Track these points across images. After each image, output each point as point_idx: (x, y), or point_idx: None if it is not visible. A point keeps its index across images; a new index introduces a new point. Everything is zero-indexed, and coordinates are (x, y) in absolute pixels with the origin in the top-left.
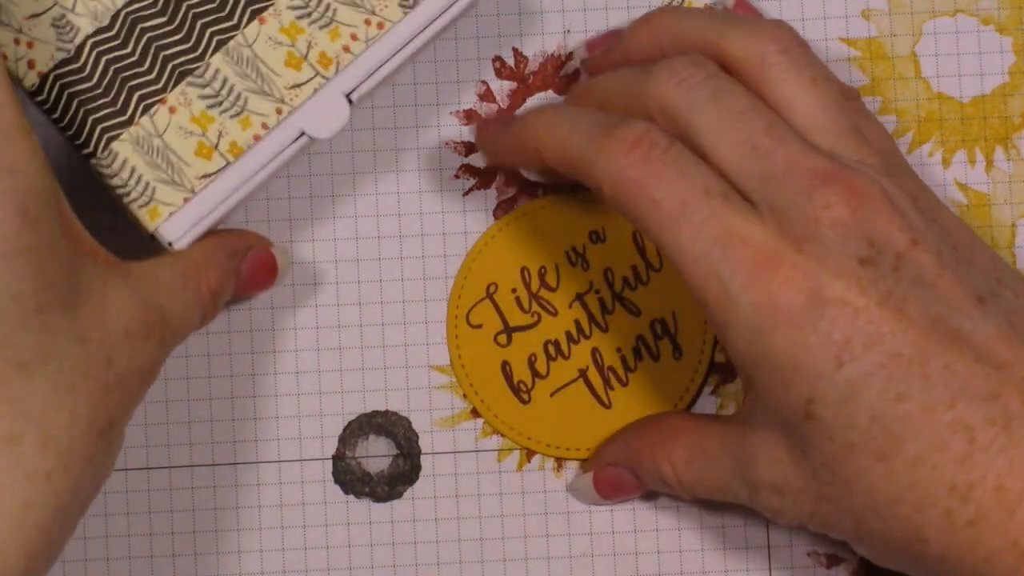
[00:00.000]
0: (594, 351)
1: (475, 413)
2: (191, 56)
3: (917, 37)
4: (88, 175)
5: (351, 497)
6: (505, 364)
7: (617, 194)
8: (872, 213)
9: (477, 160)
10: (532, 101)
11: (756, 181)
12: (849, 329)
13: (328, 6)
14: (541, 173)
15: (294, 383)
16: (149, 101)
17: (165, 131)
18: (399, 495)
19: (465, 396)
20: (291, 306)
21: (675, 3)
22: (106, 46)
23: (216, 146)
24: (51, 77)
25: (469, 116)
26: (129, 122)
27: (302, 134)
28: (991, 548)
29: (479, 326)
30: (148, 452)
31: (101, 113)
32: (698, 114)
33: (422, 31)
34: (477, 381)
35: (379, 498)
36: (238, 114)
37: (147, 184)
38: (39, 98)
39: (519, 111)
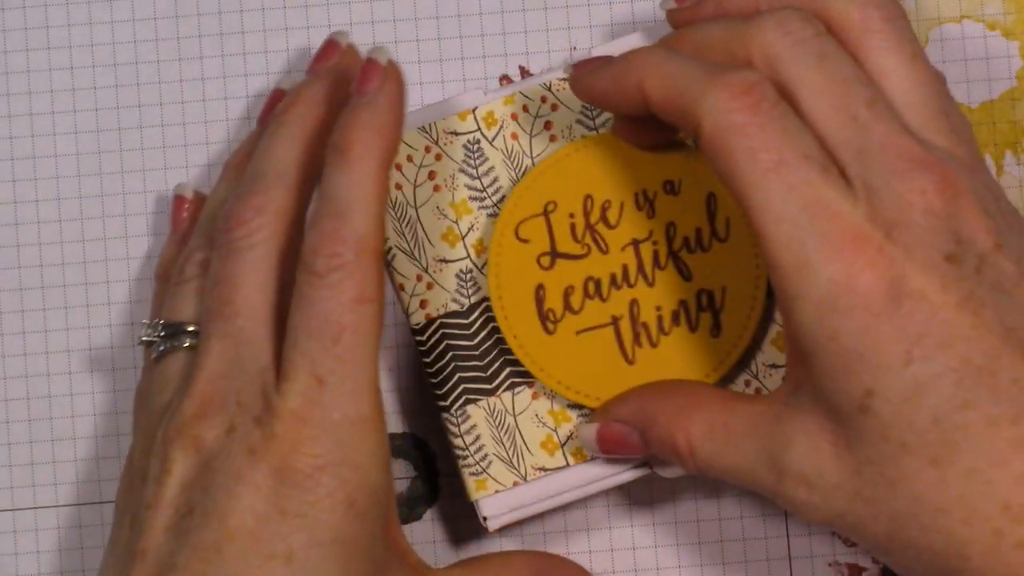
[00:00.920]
0: (633, 302)
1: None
2: None
3: (923, 44)
4: None
5: None
6: (540, 287)
7: (715, 136)
8: (962, 208)
9: None
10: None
11: (851, 152)
12: (924, 325)
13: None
14: (630, 122)
15: None
16: (518, 380)
17: (521, 413)
18: (419, 516)
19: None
20: None
21: None
22: None
23: (563, 445)
24: (437, 323)
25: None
26: (492, 392)
27: (647, 464)
28: None
29: (526, 241)
30: None
31: (470, 374)
32: (803, 70)
33: None
34: (507, 296)
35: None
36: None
37: (486, 455)
38: (419, 337)
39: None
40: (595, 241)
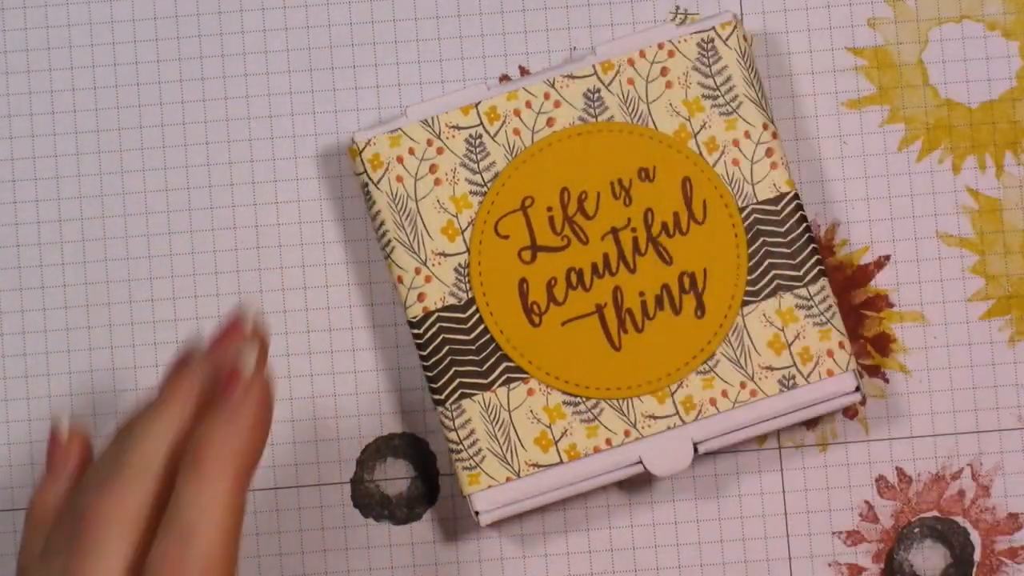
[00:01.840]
0: (616, 290)
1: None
2: None
3: (923, 44)
4: None
5: (370, 520)
6: (523, 281)
7: None
8: None
9: None
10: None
11: None
12: None
13: (717, 362)
14: None
15: (310, 408)
16: (513, 375)
17: (516, 408)
18: (418, 517)
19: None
20: (304, 331)
21: (678, 18)
22: None
23: (556, 442)
24: (434, 316)
25: None
26: (487, 387)
27: (639, 462)
28: None
29: (506, 237)
30: None
31: (465, 368)
32: None
33: (789, 413)
34: (491, 292)
35: (398, 520)
36: (589, 421)
37: (479, 450)
38: (415, 331)
39: None
40: (574, 232)
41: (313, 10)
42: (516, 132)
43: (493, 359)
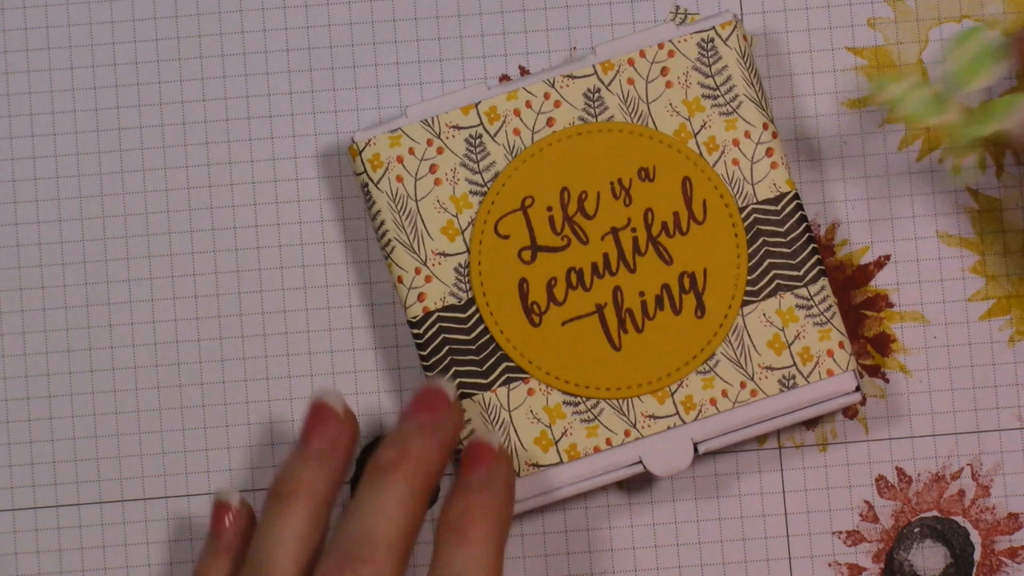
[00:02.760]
0: (616, 289)
1: None
2: None
3: (923, 44)
4: None
5: None
6: (523, 282)
7: None
8: None
9: None
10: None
11: None
12: None
13: (717, 362)
14: None
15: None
16: (513, 376)
17: (516, 409)
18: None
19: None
20: (304, 331)
21: (678, 17)
22: None
23: (556, 442)
24: (434, 316)
25: None
26: (487, 387)
27: (639, 462)
28: None
29: (506, 237)
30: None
31: (466, 368)
32: None
33: (789, 413)
34: (491, 292)
35: None
36: (589, 421)
37: None
38: (415, 331)
39: None
40: (574, 232)
41: (313, 10)
42: (516, 132)
43: (493, 359)
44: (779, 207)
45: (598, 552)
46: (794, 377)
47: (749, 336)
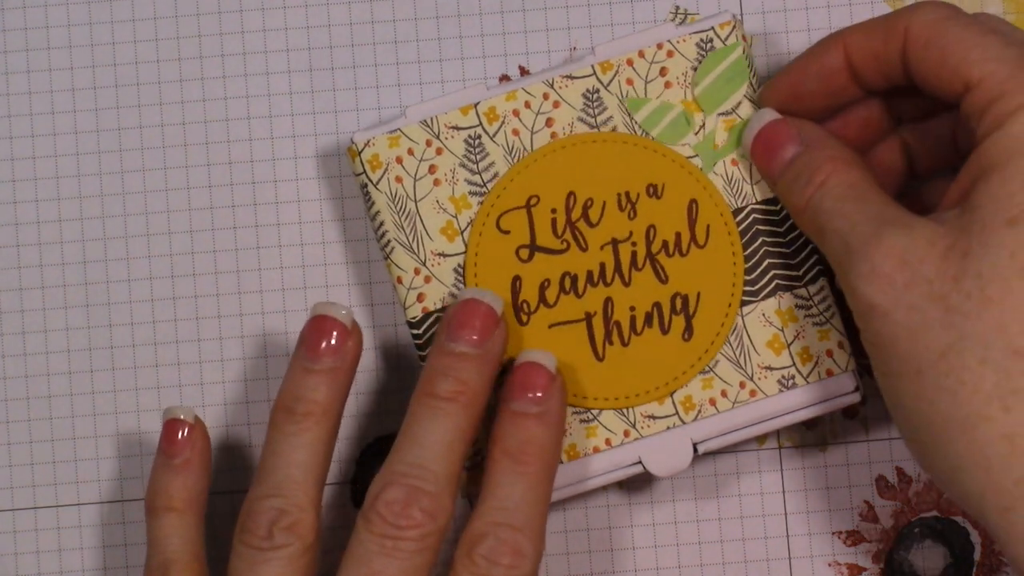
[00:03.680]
0: (608, 300)
1: None
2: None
3: None
4: None
5: None
6: (517, 279)
7: None
8: None
9: None
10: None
11: None
12: None
13: (717, 362)
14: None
15: None
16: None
17: None
18: None
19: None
20: None
21: (678, 18)
22: None
23: None
24: (434, 317)
25: None
26: None
27: (639, 462)
28: None
29: (507, 232)
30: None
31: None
32: None
33: (788, 413)
34: (484, 285)
35: None
36: (588, 421)
37: (479, 450)
38: (415, 331)
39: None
40: (575, 238)
41: (313, 10)
42: (515, 132)
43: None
44: (778, 207)
45: (598, 552)
46: (793, 377)
47: (748, 336)
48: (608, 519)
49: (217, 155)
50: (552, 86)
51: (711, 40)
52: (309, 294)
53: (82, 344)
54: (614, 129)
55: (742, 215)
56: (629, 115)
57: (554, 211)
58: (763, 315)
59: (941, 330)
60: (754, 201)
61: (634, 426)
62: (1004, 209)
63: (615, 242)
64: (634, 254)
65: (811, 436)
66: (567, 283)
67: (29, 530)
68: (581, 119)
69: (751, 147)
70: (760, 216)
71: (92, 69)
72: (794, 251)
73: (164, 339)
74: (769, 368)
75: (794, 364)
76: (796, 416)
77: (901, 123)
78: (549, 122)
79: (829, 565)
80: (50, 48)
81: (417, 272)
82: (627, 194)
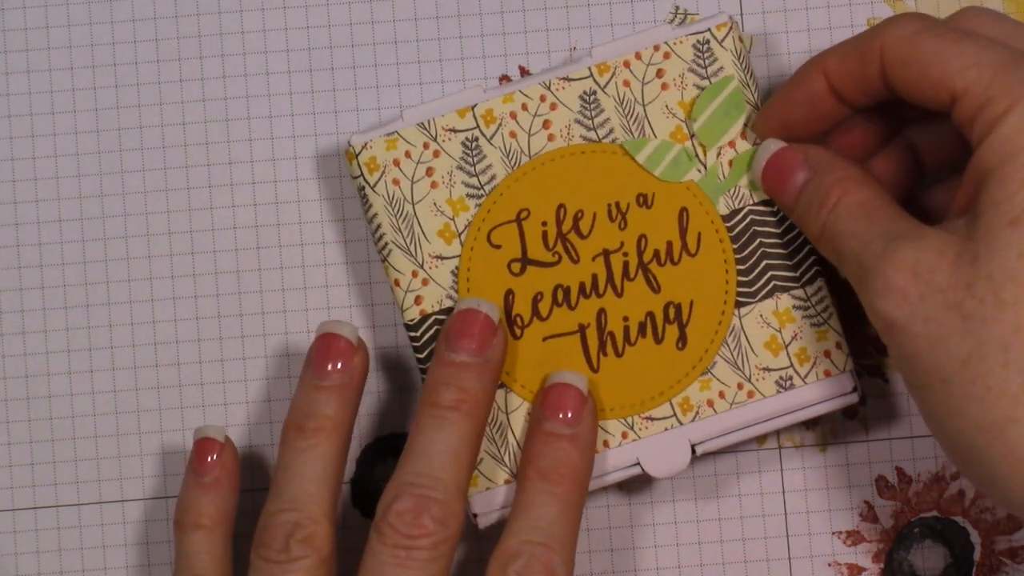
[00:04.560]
0: (601, 311)
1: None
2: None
3: None
4: None
5: (371, 521)
6: (509, 292)
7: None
8: None
9: None
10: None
11: None
12: None
13: (715, 363)
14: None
15: None
16: (502, 381)
17: (514, 411)
18: None
19: None
20: (305, 332)
21: (678, 18)
22: None
23: None
24: (431, 319)
25: None
26: None
27: (637, 463)
28: None
29: (498, 246)
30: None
31: None
32: None
33: (786, 414)
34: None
35: None
36: None
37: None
38: (412, 333)
39: None
40: (566, 250)
41: (313, 10)
42: (512, 135)
43: None
44: (775, 208)
45: (598, 552)
46: (791, 378)
47: (746, 337)
48: (608, 519)
49: (217, 155)
50: (549, 88)
51: (708, 42)
52: (309, 294)
53: (82, 344)
54: (611, 131)
55: (739, 216)
56: (626, 117)
57: (545, 224)
58: (761, 316)
59: (960, 338)
60: (751, 202)
61: (632, 428)
62: (1006, 211)
63: (606, 253)
64: (626, 264)
65: (811, 436)
66: (560, 295)
67: (29, 530)
68: (578, 121)
69: (762, 180)
70: (757, 217)
71: (92, 69)
72: (791, 252)
73: (164, 339)
74: (767, 369)
75: (792, 365)
76: (794, 417)
77: (906, 124)
78: (546, 124)
79: (829, 565)
80: (50, 48)
81: (415, 274)
82: (617, 204)
